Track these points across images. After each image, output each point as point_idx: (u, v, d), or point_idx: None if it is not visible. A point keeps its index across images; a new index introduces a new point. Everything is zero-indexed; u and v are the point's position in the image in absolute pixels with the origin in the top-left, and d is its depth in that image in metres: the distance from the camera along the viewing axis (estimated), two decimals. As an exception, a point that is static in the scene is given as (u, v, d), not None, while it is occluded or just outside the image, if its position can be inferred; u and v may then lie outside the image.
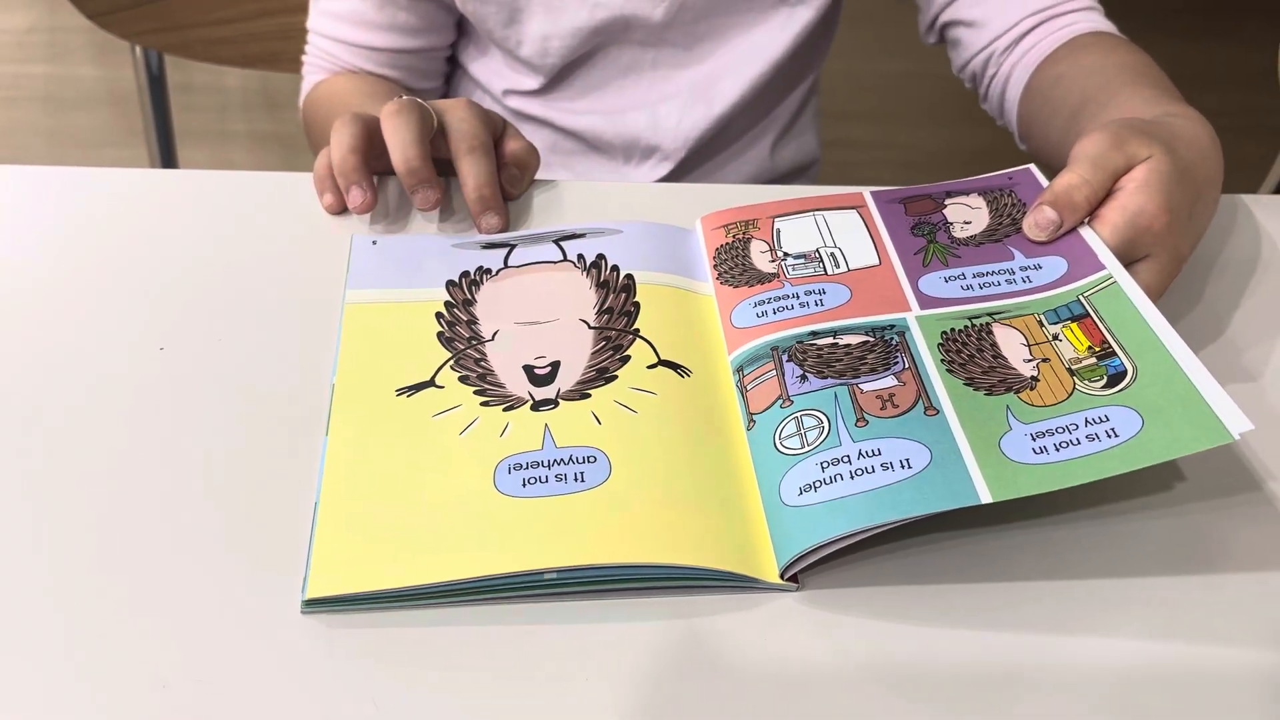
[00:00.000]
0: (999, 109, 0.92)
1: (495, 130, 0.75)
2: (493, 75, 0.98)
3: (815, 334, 0.61)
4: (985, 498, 0.51)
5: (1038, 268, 0.64)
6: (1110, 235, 0.63)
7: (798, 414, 0.57)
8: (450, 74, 1.02)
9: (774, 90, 0.99)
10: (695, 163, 0.99)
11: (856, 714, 0.48)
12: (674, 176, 0.99)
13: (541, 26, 0.91)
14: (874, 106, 2.14)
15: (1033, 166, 0.71)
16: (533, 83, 0.96)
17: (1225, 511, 0.57)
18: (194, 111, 2.08)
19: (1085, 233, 0.64)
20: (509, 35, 0.93)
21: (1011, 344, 0.59)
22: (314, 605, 0.51)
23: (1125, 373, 0.56)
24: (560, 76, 0.95)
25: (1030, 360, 0.58)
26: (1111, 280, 0.61)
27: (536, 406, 0.59)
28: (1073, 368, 0.57)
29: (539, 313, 0.65)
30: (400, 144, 0.69)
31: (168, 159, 1.30)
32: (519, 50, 0.93)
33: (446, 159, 0.73)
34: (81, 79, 2.13)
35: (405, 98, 0.72)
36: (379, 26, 0.93)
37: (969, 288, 0.63)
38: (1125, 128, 0.66)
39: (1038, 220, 0.65)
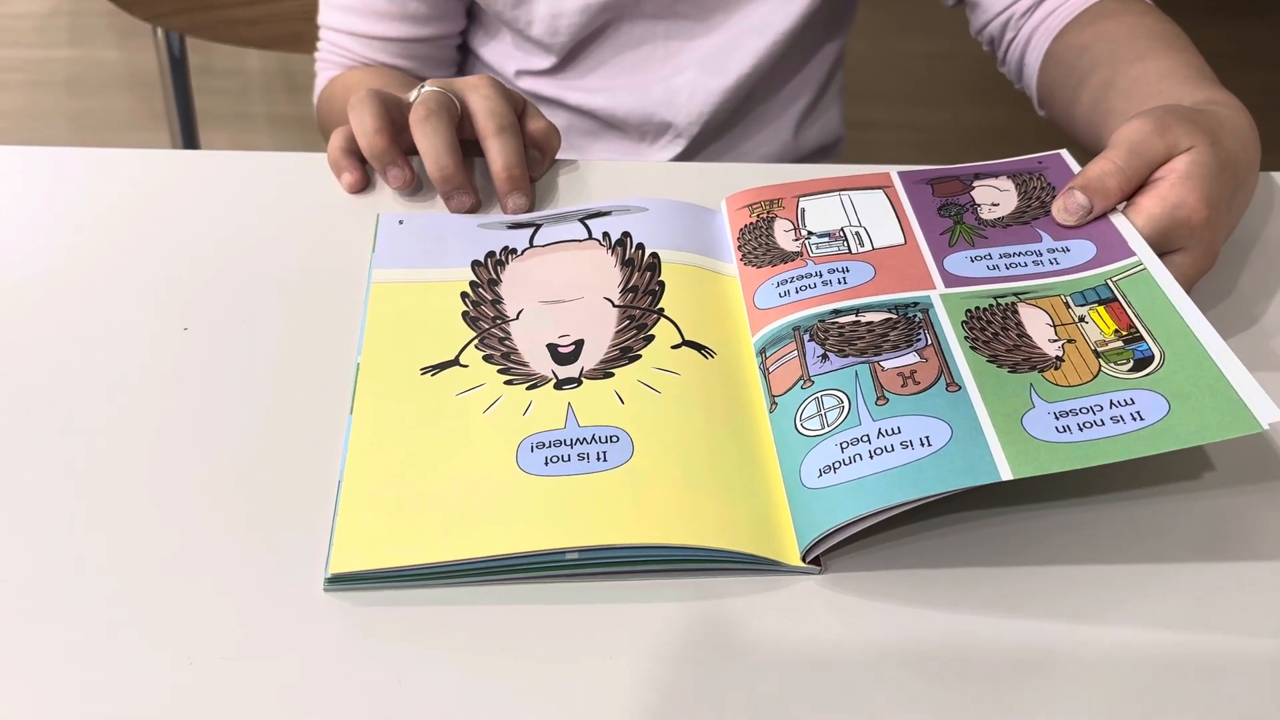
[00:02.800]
0: (1017, 73, 0.91)
1: (517, 108, 0.75)
2: (504, 58, 0.98)
3: (837, 312, 0.61)
4: (1006, 475, 0.51)
5: (1065, 250, 0.63)
6: (1146, 225, 0.62)
7: (818, 394, 0.57)
8: (462, 61, 1.02)
9: (791, 62, 0.98)
10: (712, 139, 0.99)
11: (878, 697, 0.48)
12: (690, 153, 0.98)
13: (550, 5, 0.91)
14: (897, 87, 2.13)
15: (1064, 152, 0.71)
16: (545, 62, 0.95)
17: (1254, 499, 0.57)
18: (215, 94, 2.09)
19: (1116, 219, 0.64)
20: (518, 16, 0.92)
21: (1037, 324, 0.59)
22: (337, 582, 0.51)
23: (1152, 357, 0.55)
24: (572, 55, 0.95)
25: (1055, 341, 0.57)
26: (1141, 267, 0.60)
27: (560, 385, 0.59)
28: (1099, 350, 0.57)
29: (564, 291, 0.65)
30: (434, 153, 0.69)
31: (189, 142, 1.30)
32: (529, 30, 0.93)
33: (470, 139, 0.73)
34: (103, 62, 2.14)
35: (429, 92, 0.71)
36: (390, 16, 0.93)
37: (995, 268, 0.63)
38: (1170, 114, 0.64)
39: (1067, 204, 0.64)
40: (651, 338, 0.62)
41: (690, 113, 0.96)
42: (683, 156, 0.98)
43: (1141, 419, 0.52)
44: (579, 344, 0.61)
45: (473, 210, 0.71)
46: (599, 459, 0.55)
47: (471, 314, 0.64)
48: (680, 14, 0.93)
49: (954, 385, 0.55)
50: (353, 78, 0.94)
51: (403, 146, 0.72)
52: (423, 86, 0.72)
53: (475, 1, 0.95)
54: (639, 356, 0.61)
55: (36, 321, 0.64)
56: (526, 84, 0.97)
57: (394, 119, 0.72)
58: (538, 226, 0.70)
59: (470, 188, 0.71)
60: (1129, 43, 0.78)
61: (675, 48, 0.94)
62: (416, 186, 0.74)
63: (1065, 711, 0.48)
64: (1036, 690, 0.49)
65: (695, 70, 0.95)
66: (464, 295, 0.65)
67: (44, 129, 2.08)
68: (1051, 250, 0.63)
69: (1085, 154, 0.70)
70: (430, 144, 0.69)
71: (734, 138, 1.00)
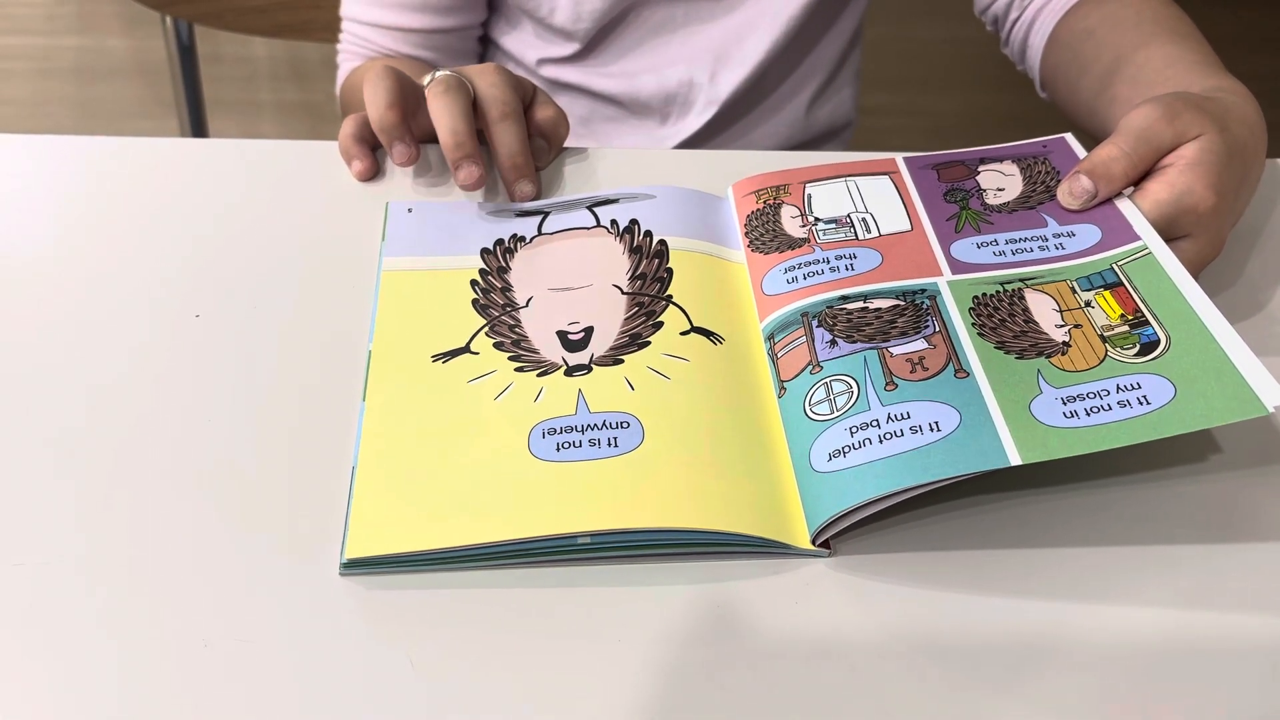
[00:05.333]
0: (1020, 55, 0.91)
1: (525, 96, 0.75)
2: (525, 47, 0.98)
3: (845, 298, 0.61)
4: (1014, 460, 0.51)
5: (1071, 235, 0.63)
6: (1153, 211, 0.62)
7: (827, 379, 0.57)
8: (483, 52, 1.02)
9: (807, 39, 0.98)
10: (731, 119, 0.99)
11: (887, 679, 0.49)
12: (710, 132, 0.99)
13: None
14: (906, 72, 2.13)
15: (1068, 136, 0.71)
16: (567, 49, 0.96)
17: (1259, 481, 0.57)
18: (222, 82, 2.09)
19: (1122, 204, 0.64)
20: (540, 4, 0.93)
21: (1043, 309, 0.59)
22: (352, 567, 0.52)
23: (1158, 342, 0.56)
24: (595, 41, 0.95)
25: (1062, 326, 0.58)
26: (1146, 251, 0.61)
27: (570, 372, 0.59)
28: (1105, 335, 0.57)
29: (573, 279, 0.65)
30: (449, 122, 0.69)
31: (198, 130, 1.31)
32: (552, 18, 0.93)
33: (478, 126, 0.73)
34: (111, 50, 2.14)
35: (444, 73, 0.72)
36: (413, 7, 0.93)
37: (1001, 254, 0.63)
38: (1179, 101, 0.65)
39: (1073, 189, 0.64)
40: (660, 324, 0.62)
41: (711, 94, 0.96)
42: (702, 135, 0.98)
43: (1148, 403, 0.53)
44: (589, 331, 0.62)
45: (479, 184, 0.71)
46: (610, 444, 0.55)
47: (481, 301, 0.64)
48: None
49: (962, 371, 0.56)
50: (375, 68, 0.95)
51: (412, 129, 0.73)
52: (434, 74, 0.73)
53: None
54: (648, 343, 0.61)
55: (47, 310, 0.65)
56: (549, 72, 0.98)
57: (407, 97, 0.72)
58: (546, 214, 0.70)
59: (480, 160, 0.71)
60: (1135, 27, 0.78)
61: (695, 30, 0.95)
62: (424, 173, 0.75)
63: (1072, 693, 0.49)
64: (1044, 671, 0.49)
65: (715, 52, 0.95)
66: (473, 283, 0.65)
67: (52, 117, 2.09)
68: (1057, 235, 0.64)
69: (1088, 138, 0.71)
70: (448, 114, 0.70)
71: (752, 119, 1.00)
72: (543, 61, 0.97)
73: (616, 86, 0.97)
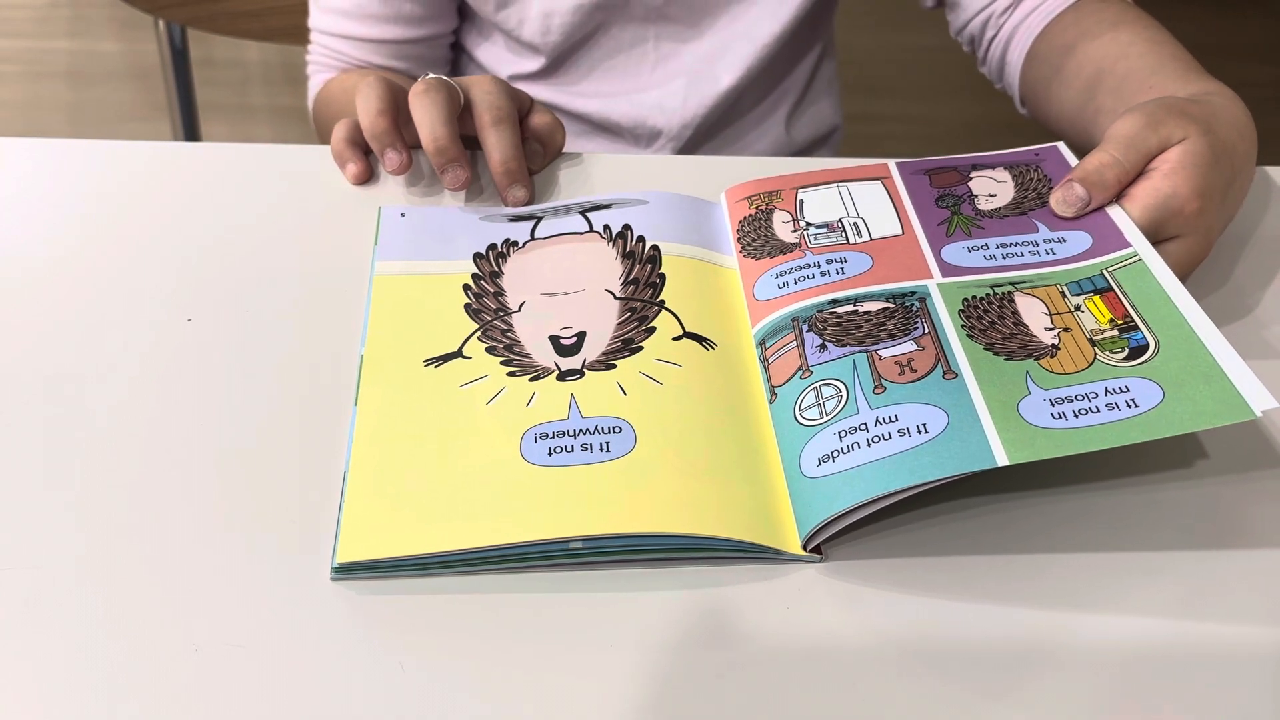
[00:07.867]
0: (998, 72, 0.91)
1: (522, 106, 0.75)
2: (497, 61, 0.98)
3: (836, 302, 0.61)
4: (1002, 460, 0.51)
5: (1061, 241, 0.64)
6: (1140, 215, 0.63)
7: (817, 384, 0.57)
8: (455, 61, 1.02)
9: (781, 62, 0.98)
10: (703, 141, 0.99)
11: (878, 684, 0.49)
12: (685, 153, 0.98)
13: (543, 4, 0.91)
14: (899, 79, 2.13)
15: (1060, 144, 0.71)
16: (535, 64, 0.95)
17: (1247, 487, 0.57)
18: (215, 86, 2.09)
19: (1112, 210, 0.64)
20: (508, 16, 0.92)
21: (1033, 313, 0.59)
22: (343, 572, 0.52)
23: (1147, 346, 0.56)
24: (563, 58, 0.95)
25: (1051, 329, 0.58)
26: (1136, 258, 0.61)
27: (562, 377, 0.60)
28: (1094, 338, 0.57)
29: (565, 284, 0.65)
30: (429, 123, 0.69)
31: (190, 133, 1.31)
32: (520, 31, 0.93)
33: (473, 134, 0.73)
34: (104, 54, 2.14)
35: (432, 76, 0.72)
36: (383, 19, 0.93)
37: (992, 258, 0.63)
38: (1162, 108, 0.65)
39: (1065, 197, 0.65)
40: (653, 329, 0.62)
41: (683, 118, 0.96)
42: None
43: (1136, 406, 0.53)
44: (581, 336, 0.62)
45: (466, 185, 0.71)
46: (602, 449, 0.55)
47: (474, 306, 0.64)
48: (670, 18, 0.93)
49: (951, 373, 0.56)
50: (350, 80, 0.94)
51: (404, 134, 0.73)
52: (428, 76, 0.73)
53: (466, 1, 0.95)
54: (640, 348, 0.61)
55: (39, 315, 0.65)
56: (518, 88, 0.97)
57: (399, 105, 0.72)
58: (539, 219, 0.70)
59: (465, 162, 0.70)
60: (1114, 40, 0.78)
61: (666, 51, 0.95)
62: (417, 178, 0.75)
63: (1062, 697, 0.49)
64: (1034, 676, 0.49)
65: (686, 76, 0.95)
66: (466, 288, 0.65)
67: (44, 120, 2.09)
68: (1048, 241, 0.64)
69: (1073, 150, 0.71)
70: (427, 117, 0.70)
71: (725, 139, 1.00)
72: (513, 77, 0.97)
73: (585, 106, 0.96)
